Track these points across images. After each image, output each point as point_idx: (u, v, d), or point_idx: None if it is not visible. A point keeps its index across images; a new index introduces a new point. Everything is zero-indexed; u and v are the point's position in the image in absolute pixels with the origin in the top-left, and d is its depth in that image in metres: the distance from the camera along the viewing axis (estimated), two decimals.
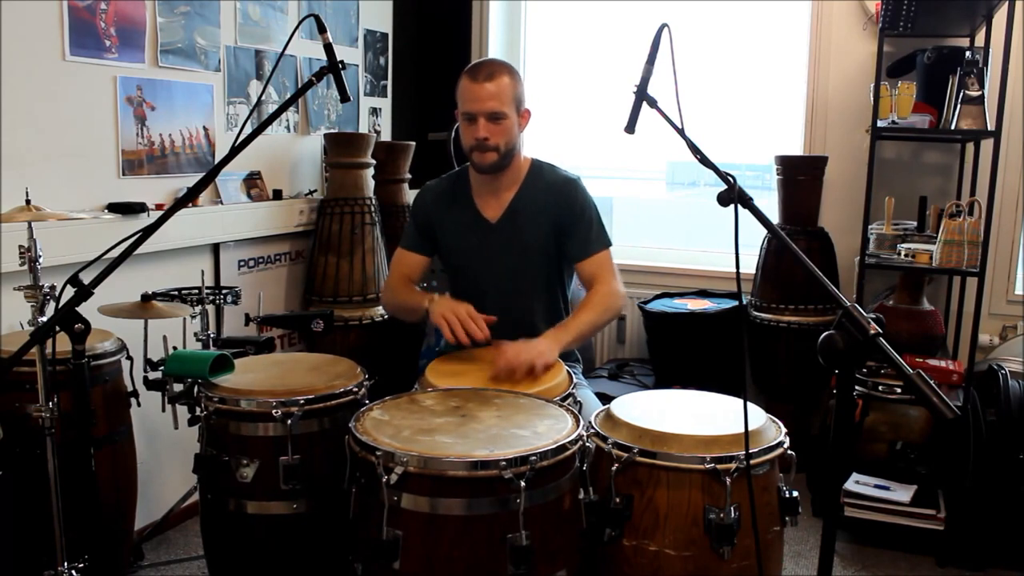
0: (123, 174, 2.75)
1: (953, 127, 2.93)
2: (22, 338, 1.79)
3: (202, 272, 2.77)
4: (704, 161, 1.55)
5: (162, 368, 2.39)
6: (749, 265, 3.60)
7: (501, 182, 2.31)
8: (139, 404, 2.50)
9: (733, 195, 1.46)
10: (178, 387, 2.33)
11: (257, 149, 2.94)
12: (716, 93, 3.99)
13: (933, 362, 2.99)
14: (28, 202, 2.08)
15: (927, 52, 3.20)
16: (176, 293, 2.59)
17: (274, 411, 1.90)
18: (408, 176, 3.82)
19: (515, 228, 2.31)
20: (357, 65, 3.80)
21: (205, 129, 3.04)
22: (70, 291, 1.61)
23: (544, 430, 1.67)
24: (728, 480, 1.64)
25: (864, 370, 2.99)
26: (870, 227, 3.09)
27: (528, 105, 2.30)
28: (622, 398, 1.95)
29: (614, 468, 1.70)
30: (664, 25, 1.59)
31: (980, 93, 2.86)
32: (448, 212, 2.38)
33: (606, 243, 2.32)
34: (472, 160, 2.26)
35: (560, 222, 2.30)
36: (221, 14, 3.07)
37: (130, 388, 2.49)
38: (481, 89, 2.16)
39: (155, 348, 2.50)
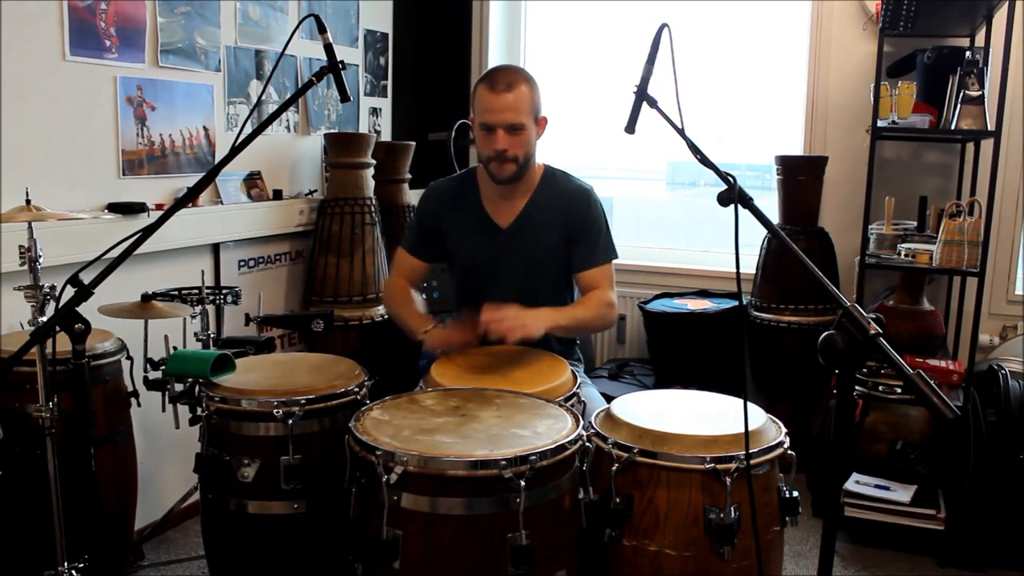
0: (123, 174, 2.75)
1: (953, 127, 2.93)
2: (22, 338, 1.79)
3: (202, 272, 2.77)
4: (704, 161, 1.55)
5: (163, 368, 2.39)
6: (749, 265, 3.60)
7: (514, 189, 2.28)
8: (139, 404, 2.50)
9: (733, 195, 1.46)
10: (179, 387, 2.33)
11: (257, 149, 2.94)
12: (716, 93, 3.99)
13: (933, 362, 2.99)
14: (28, 202, 2.08)
15: (927, 52, 3.20)
16: (176, 293, 2.59)
17: (275, 411, 1.90)
18: (408, 176, 3.82)
19: (526, 235, 2.29)
20: (357, 65, 3.80)
21: (205, 129, 3.04)
22: (70, 291, 1.61)
23: (544, 430, 1.67)
24: (728, 480, 1.64)
25: (864, 370, 2.99)
26: (870, 227, 3.09)
27: (544, 111, 2.26)
28: (622, 398, 1.95)
29: (614, 468, 1.70)
30: (664, 25, 1.59)
31: (980, 93, 2.86)
32: (456, 215, 2.35)
33: (611, 256, 2.31)
34: (489, 171, 2.22)
35: (570, 230, 2.28)
36: (221, 14, 3.07)
37: (130, 388, 2.49)
38: (500, 100, 2.13)
39: (155, 348, 2.50)
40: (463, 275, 2.42)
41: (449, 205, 2.36)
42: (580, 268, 2.30)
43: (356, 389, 2.03)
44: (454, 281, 2.48)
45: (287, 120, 3.48)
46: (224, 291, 2.69)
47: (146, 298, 2.33)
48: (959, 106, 2.89)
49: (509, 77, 2.16)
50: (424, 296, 2.56)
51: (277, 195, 3.38)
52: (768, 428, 1.79)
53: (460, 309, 2.47)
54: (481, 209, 2.33)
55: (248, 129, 1.81)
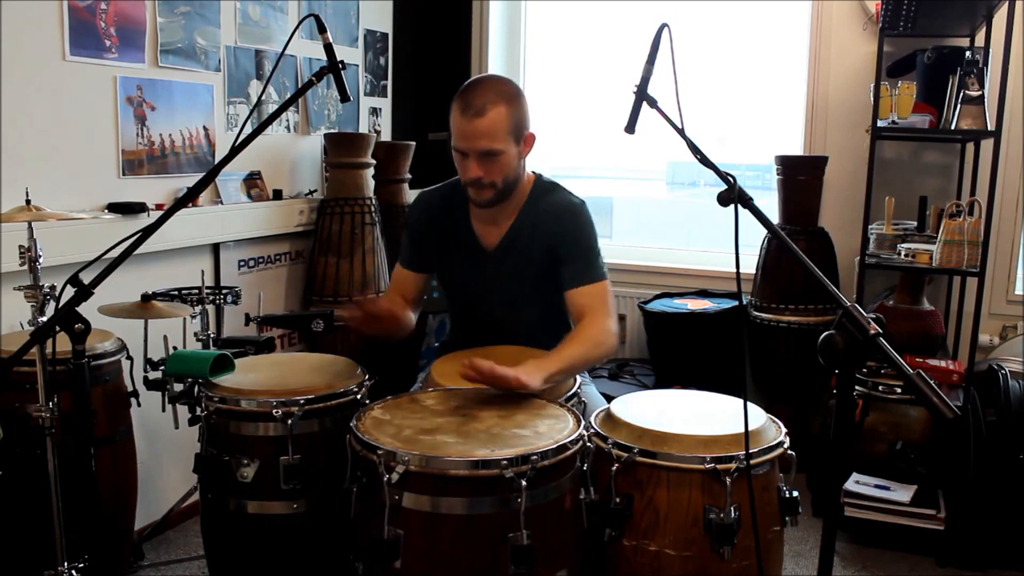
0: (123, 174, 2.75)
1: (953, 127, 2.93)
2: (22, 338, 1.79)
3: (202, 272, 2.77)
4: (704, 161, 1.55)
5: (163, 368, 2.39)
6: (749, 265, 3.60)
7: (501, 208, 2.15)
8: (139, 404, 2.50)
9: (733, 195, 1.46)
10: (179, 387, 2.33)
11: (257, 149, 2.94)
12: (716, 93, 3.99)
13: (933, 362, 2.99)
14: (28, 202, 2.08)
15: (927, 52, 3.20)
16: (176, 293, 2.59)
17: (274, 411, 1.90)
18: (408, 176, 3.82)
19: (512, 256, 2.18)
20: (357, 65, 3.80)
21: (205, 129, 3.04)
22: (70, 291, 1.61)
23: (545, 430, 1.67)
24: (728, 480, 1.64)
25: (864, 370, 2.99)
26: (870, 227, 3.09)
27: (533, 123, 2.11)
28: (622, 398, 1.95)
29: (614, 468, 1.70)
30: (664, 25, 1.59)
31: (980, 93, 2.86)
32: (443, 233, 2.23)
33: (600, 276, 2.11)
34: (469, 194, 2.10)
35: (555, 248, 2.13)
36: (221, 14, 3.07)
37: (130, 388, 2.49)
38: (470, 126, 1.97)
39: (155, 348, 2.50)
40: (451, 297, 2.35)
41: (437, 221, 2.24)
42: (569, 286, 2.10)
43: (356, 389, 2.03)
44: (445, 299, 2.40)
45: (287, 120, 3.48)
46: (224, 291, 2.69)
47: (146, 298, 2.33)
48: (959, 106, 2.90)
49: (483, 98, 1.97)
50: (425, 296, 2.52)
51: (277, 195, 3.38)
52: (768, 428, 1.79)
53: (452, 327, 2.43)
54: (469, 229, 2.21)
55: (248, 129, 1.80)
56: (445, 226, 2.24)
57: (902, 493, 2.85)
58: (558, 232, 2.13)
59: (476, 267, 2.22)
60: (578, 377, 2.08)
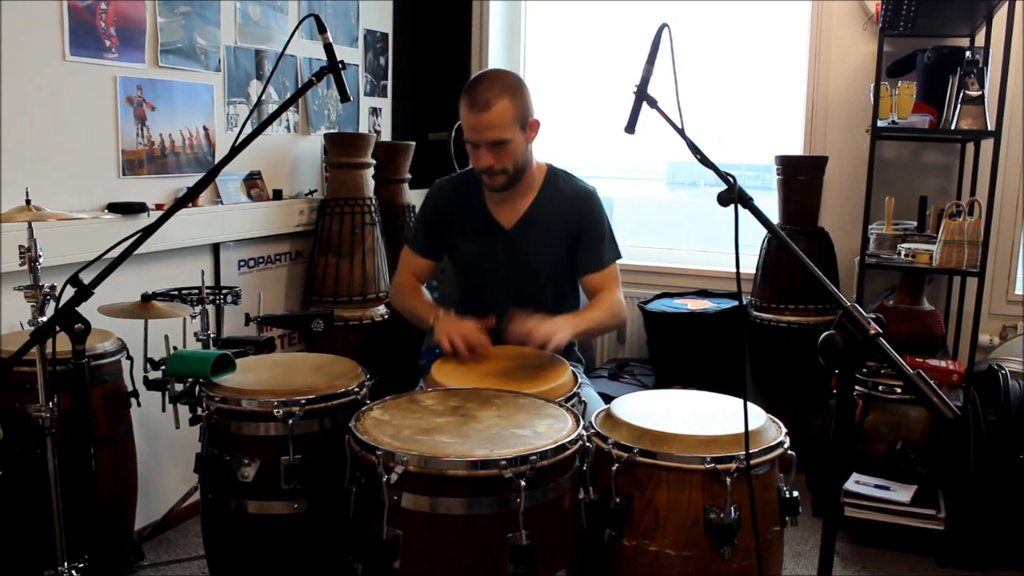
0: (123, 174, 2.75)
1: (953, 127, 2.93)
2: (22, 338, 1.79)
3: (202, 272, 2.77)
4: (704, 161, 1.55)
5: (163, 368, 2.39)
6: (749, 265, 3.60)
7: (515, 190, 2.29)
8: (139, 404, 2.50)
9: (733, 195, 1.46)
10: (179, 387, 2.33)
11: (257, 149, 2.94)
12: (716, 93, 3.99)
13: (933, 362, 2.99)
14: (28, 202, 2.08)
15: (927, 52, 3.20)
16: (176, 293, 2.59)
17: (275, 411, 1.90)
18: (408, 176, 3.82)
19: (530, 236, 2.31)
20: (357, 65, 3.80)
21: (205, 129, 3.04)
22: (70, 291, 1.61)
23: (544, 430, 1.67)
24: (728, 480, 1.64)
25: (864, 370, 2.99)
26: (870, 227, 3.09)
27: (536, 112, 2.25)
28: (622, 398, 1.95)
29: (614, 468, 1.70)
30: (664, 25, 1.59)
31: (980, 93, 2.86)
32: (460, 213, 2.37)
33: (611, 258, 2.33)
34: (483, 181, 2.25)
35: (574, 233, 2.30)
36: (221, 14, 3.07)
37: (130, 388, 2.49)
38: (479, 119, 2.13)
39: (155, 348, 2.50)
40: (465, 274, 2.44)
41: (453, 203, 2.38)
42: (587, 271, 2.32)
43: (356, 389, 2.03)
44: (456, 279, 2.49)
45: (287, 120, 3.47)
46: (224, 291, 2.69)
47: (146, 298, 2.33)
48: (959, 106, 2.90)
49: (488, 92, 2.13)
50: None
51: (277, 195, 3.38)
52: (768, 428, 1.79)
53: (461, 307, 2.48)
54: (484, 209, 2.34)
55: (248, 129, 1.80)
56: (459, 210, 2.36)
57: (902, 493, 2.85)
58: (575, 218, 2.30)
59: (492, 243, 2.33)
60: (578, 377, 2.08)
